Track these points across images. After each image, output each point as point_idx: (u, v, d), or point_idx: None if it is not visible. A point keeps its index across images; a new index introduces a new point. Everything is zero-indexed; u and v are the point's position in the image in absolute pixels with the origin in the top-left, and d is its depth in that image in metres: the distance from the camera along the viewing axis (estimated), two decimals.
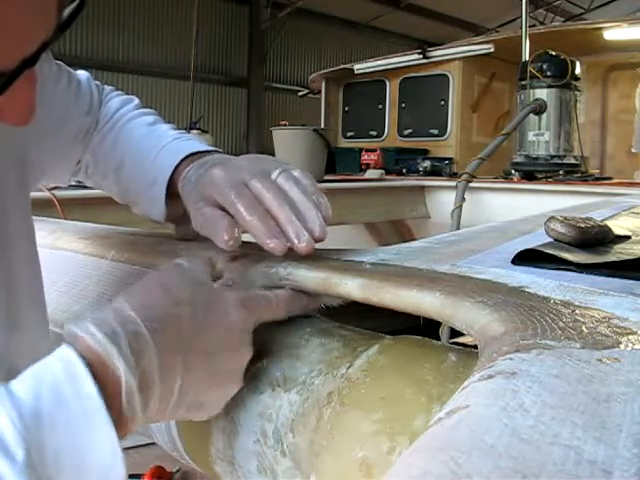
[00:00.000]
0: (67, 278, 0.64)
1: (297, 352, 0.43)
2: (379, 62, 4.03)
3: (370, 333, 0.44)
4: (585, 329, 0.32)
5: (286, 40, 11.68)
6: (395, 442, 0.33)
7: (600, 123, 3.77)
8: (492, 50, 3.56)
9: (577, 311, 0.35)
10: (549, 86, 2.75)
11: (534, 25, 4.47)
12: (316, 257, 0.48)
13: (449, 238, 0.64)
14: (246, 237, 0.49)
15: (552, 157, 2.78)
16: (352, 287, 0.43)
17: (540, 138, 2.79)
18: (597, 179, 2.74)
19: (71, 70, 0.64)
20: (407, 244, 0.60)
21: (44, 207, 1.31)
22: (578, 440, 0.21)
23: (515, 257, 0.49)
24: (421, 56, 3.80)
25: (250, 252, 0.50)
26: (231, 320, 0.39)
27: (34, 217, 0.55)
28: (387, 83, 4.11)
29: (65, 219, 1.24)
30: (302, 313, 0.46)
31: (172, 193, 0.57)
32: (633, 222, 0.77)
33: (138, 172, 0.60)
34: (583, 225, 0.55)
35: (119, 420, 0.33)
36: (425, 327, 0.67)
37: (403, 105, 4.04)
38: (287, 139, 2.90)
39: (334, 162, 3.72)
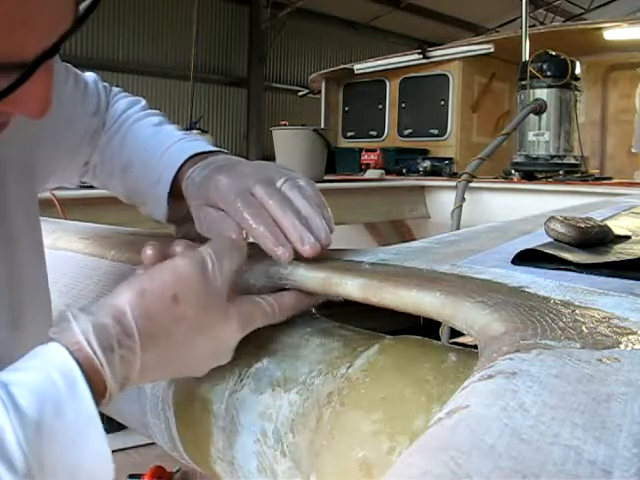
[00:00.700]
0: (67, 278, 0.64)
1: (297, 352, 0.43)
2: (379, 62, 4.03)
3: (370, 333, 0.44)
4: (585, 329, 0.32)
5: (286, 40, 11.68)
6: (395, 442, 0.33)
7: (600, 123, 3.77)
8: (492, 50, 3.56)
9: (577, 311, 0.35)
10: (549, 86, 2.75)
11: (534, 25, 4.47)
12: (316, 257, 0.48)
13: (449, 238, 0.64)
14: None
15: (552, 157, 2.78)
16: (352, 287, 0.43)
17: (540, 138, 2.79)
18: (597, 179, 2.74)
19: (78, 72, 0.65)
20: (407, 244, 0.60)
21: (44, 207, 1.31)
22: (578, 440, 0.21)
23: (515, 257, 0.49)
24: (421, 56, 3.80)
25: (251, 252, 0.50)
26: (223, 341, 0.41)
27: None
28: (387, 83, 4.11)
29: (65, 219, 1.25)
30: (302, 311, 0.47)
31: (176, 193, 0.58)
32: (633, 222, 0.77)
33: (143, 172, 0.61)
34: (583, 225, 0.55)
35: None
36: (425, 327, 0.67)
37: (403, 105, 4.04)
38: (287, 139, 2.90)
39: (334, 162, 3.72)
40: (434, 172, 3.22)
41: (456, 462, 0.20)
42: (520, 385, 0.25)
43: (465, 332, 0.36)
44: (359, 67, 4.06)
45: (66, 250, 0.68)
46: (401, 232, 2.90)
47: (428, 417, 0.33)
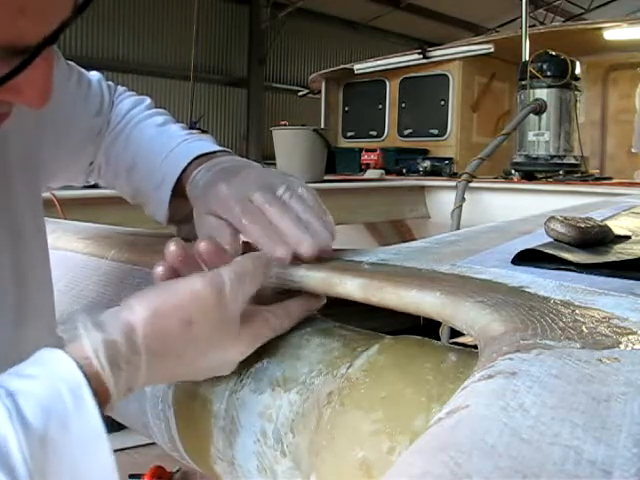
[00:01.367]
0: (67, 278, 0.64)
1: (297, 352, 0.43)
2: (379, 62, 4.03)
3: (370, 333, 0.44)
4: (585, 329, 0.32)
5: (286, 40, 11.68)
6: (395, 442, 0.33)
7: (600, 123, 3.77)
8: (492, 50, 3.55)
9: (577, 311, 0.35)
10: (549, 86, 2.75)
11: (534, 25, 4.46)
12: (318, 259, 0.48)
13: (449, 238, 0.64)
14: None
15: (552, 157, 2.78)
16: (352, 287, 0.43)
17: (540, 138, 2.79)
18: (597, 179, 2.74)
19: (82, 70, 0.65)
20: (407, 244, 0.60)
21: (44, 207, 1.31)
22: (578, 440, 0.21)
23: (515, 257, 0.49)
24: (421, 56, 3.80)
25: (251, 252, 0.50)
26: (230, 357, 0.41)
27: None
28: (387, 83, 4.11)
29: (65, 219, 1.24)
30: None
31: (180, 194, 0.58)
32: (633, 222, 0.77)
33: (147, 174, 0.61)
34: (583, 225, 0.55)
35: None
36: (425, 327, 0.67)
37: (403, 105, 4.04)
38: (287, 139, 2.90)
39: (334, 162, 3.72)
40: (434, 172, 3.22)
41: (456, 462, 0.20)
42: (520, 385, 0.25)
43: (465, 332, 0.36)
44: (359, 67, 4.06)
45: (66, 250, 0.68)
46: (401, 232, 2.90)
47: (428, 417, 0.33)
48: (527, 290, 0.39)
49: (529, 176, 2.72)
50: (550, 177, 2.68)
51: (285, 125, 3.48)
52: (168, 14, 10.08)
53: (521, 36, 3.19)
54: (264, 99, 11.58)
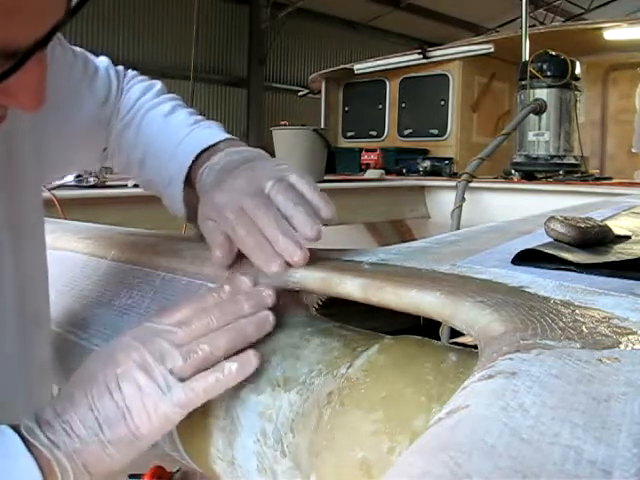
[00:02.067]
0: (67, 278, 0.64)
1: (297, 352, 0.42)
2: (379, 62, 4.03)
3: (370, 333, 0.44)
4: (585, 329, 0.32)
5: (286, 40, 11.67)
6: (395, 442, 0.33)
7: (600, 123, 3.77)
8: (492, 50, 3.56)
9: (577, 311, 0.35)
10: (549, 86, 2.75)
11: (534, 25, 4.47)
12: (316, 257, 0.48)
13: (449, 238, 0.64)
14: None
15: (552, 157, 2.79)
16: (352, 287, 0.43)
17: (540, 138, 2.79)
18: (597, 179, 2.74)
19: (90, 57, 0.64)
20: (407, 244, 0.60)
21: (44, 207, 1.31)
22: (578, 440, 0.21)
23: (515, 257, 0.49)
24: (421, 56, 3.80)
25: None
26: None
27: None
28: (387, 83, 4.11)
29: (65, 219, 1.25)
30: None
31: (193, 188, 0.58)
32: (633, 222, 0.77)
33: (157, 171, 0.61)
34: (583, 225, 0.55)
35: None
36: (425, 327, 0.67)
37: (403, 105, 4.04)
38: (287, 139, 2.90)
39: (334, 162, 3.72)
40: (434, 172, 3.22)
41: (456, 462, 0.20)
42: (520, 385, 0.25)
43: (465, 332, 0.36)
44: (359, 67, 4.06)
45: (66, 250, 0.68)
46: (401, 232, 2.90)
47: (428, 417, 0.33)
48: (527, 290, 0.39)
49: (529, 176, 2.72)
50: (550, 177, 2.68)
51: (285, 125, 3.48)
52: (168, 14, 10.07)
53: (521, 36, 3.19)
54: (264, 99, 11.58)
